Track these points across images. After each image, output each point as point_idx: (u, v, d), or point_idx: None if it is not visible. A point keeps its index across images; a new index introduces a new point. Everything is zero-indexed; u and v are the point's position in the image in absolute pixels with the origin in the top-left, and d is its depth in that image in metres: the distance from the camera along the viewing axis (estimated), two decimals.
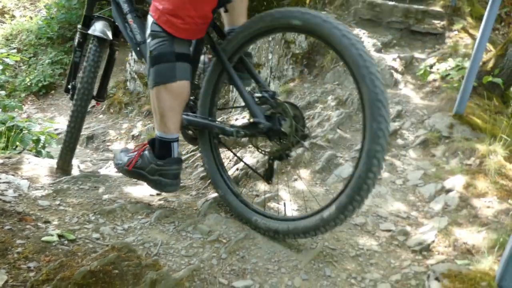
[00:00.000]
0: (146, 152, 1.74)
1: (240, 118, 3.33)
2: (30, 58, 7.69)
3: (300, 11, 1.44)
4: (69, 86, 2.32)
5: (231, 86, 4.38)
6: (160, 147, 1.68)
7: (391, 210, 1.98)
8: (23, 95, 7.00)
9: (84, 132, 4.95)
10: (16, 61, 6.23)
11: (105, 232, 1.56)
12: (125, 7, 1.90)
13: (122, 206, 1.79)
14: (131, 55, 5.82)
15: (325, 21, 1.38)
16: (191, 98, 1.90)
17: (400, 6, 4.08)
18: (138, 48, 1.86)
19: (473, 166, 2.20)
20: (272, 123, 1.53)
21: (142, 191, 2.09)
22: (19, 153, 2.94)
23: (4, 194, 1.76)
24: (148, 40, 1.58)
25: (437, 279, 1.33)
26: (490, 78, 2.87)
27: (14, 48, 7.58)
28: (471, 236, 1.68)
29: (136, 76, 5.83)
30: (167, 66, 1.55)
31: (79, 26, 2.26)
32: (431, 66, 3.33)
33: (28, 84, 7.09)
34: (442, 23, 3.99)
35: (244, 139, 2.46)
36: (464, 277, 1.30)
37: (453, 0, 4.12)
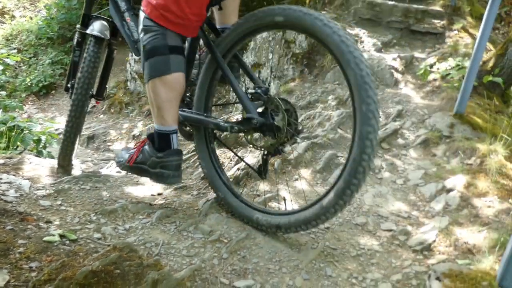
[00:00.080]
0: (146, 146, 1.74)
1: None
2: (30, 58, 7.69)
3: (281, 8, 1.48)
4: (69, 85, 2.33)
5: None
6: (159, 140, 1.69)
7: (392, 210, 1.98)
8: (23, 95, 7.00)
9: (85, 132, 4.95)
10: (17, 62, 6.23)
11: (107, 232, 1.56)
12: (123, 5, 1.93)
13: (124, 206, 1.79)
14: (131, 55, 5.82)
15: (306, 14, 1.42)
16: (187, 94, 1.91)
17: (400, 5, 4.08)
18: (135, 46, 1.88)
19: (473, 166, 2.20)
20: (265, 118, 1.56)
21: (143, 191, 2.09)
22: (20, 153, 2.94)
23: (6, 194, 1.76)
24: (141, 35, 1.59)
25: (438, 278, 1.33)
26: (490, 78, 2.87)
27: (14, 49, 7.58)
28: (472, 235, 1.68)
29: (136, 76, 5.83)
30: (161, 59, 1.56)
31: (78, 26, 2.27)
32: (431, 66, 3.33)
33: (29, 84, 7.10)
34: (442, 22, 3.99)
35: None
36: (465, 276, 1.30)
37: (453, 0, 4.12)
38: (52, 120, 5.21)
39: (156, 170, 1.70)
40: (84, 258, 1.32)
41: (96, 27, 2.12)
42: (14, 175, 2.04)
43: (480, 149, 2.27)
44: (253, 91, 1.59)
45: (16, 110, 4.40)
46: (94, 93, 2.27)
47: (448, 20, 4.01)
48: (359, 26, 4.05)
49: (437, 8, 4.11)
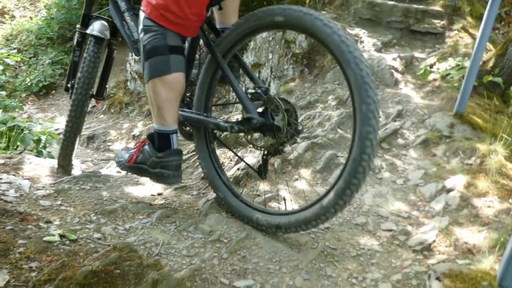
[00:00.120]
0: (146, 146, 1.74)
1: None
2: (30, 58, 7.69)
3: (281, 8, 1.48)
4: (69, 85, 2.33)
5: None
6: (159, 140, 1.69)
7: (392, 210, 1.98)
8: (23, 95, 7.00)
9: (85, 132, 4.95)
10: (17, 62, 6.23)
11: (107, 232, 1.56)
12: (123, 5, 1.93)
13: (124, 206, 1.79)
14: (131, 55, 5.82)
15: (306, 14, 1.42)
16: (188, 94, 1.91)
17: (400, 5, 4.08)
18: (135, 46, 1.88)
19: (473, 166, 2.20)
20: (265, 118, 1.56)
21: (143, 191, 2.09)
22: (20, 153, 2.94)
23: (6, 194, 1.76)
24: (141, 35, 1.59)
25: (438, 278, 1.33)
26: (490, 78, 2.87)
27: (14, 49, 7.58)
28: (472, 235, 1.68)
29: (136, 76, 5.83)
30: (161, 59, 1.56)
31: (78, 26, 2.27)
32: (431, 66, 3.33)
33: (29, 84, 7.10)
34: (442, 22, 3.99)
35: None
36: (465, 276, 1.30)
37: (453, 0, 4.12)
38: (52, 120, 5.21)
39: (156, 170, 1.70)
40: (84, 258, 1.32)
41: (96, 27, 2.12)
42: (14, 175, 2.04)
43: (480, 149, 2.27)
44: (253, 91, 1.59)
45: (16, 110, 4.40)
46: (94, 93, 2.28)
47: (448, 20, 4.01)
48: (359, 26, 4.05)
49: (437, 8, 4.12)
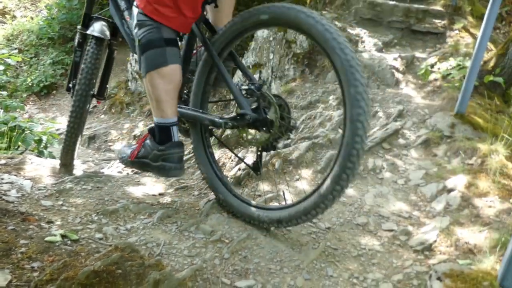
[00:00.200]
0: (147, 141, 1.74)
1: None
2: (31, 58, 7.70)
3: (266, 6, 1.51)
4: (70, 85, 2.34)
5: None
6: (160, 133, 1.68)
7: (393, 210, 1.98)
8: (24, 95, 7.00)
9: (86, 132, 4.96)
10: (18, 62, 6.23)
11: (108, 232, 1.57)
12: (122, 4, 1.94)
13: (125, 206, 1.80)
14: (132, 55, 5.83)
15: (290, 9, 1.45)
16: (185, 91, 1.92)
17: (401, 5, 4.08)
18: (134, 44, 1.88)
19: (474, 166, 2.20)
20: (258, 114, 1.56)
21: (144, 191, 2.09)
22: (21, 153, 2.94)
23: (7, 194, 1.76)
24: (135, 30, 1.59)
25: (439, 278, 1.33)
26: (491, 77, 2.86)
27: (15, 49, 7.58)
28: (473, 235, 1.68)
29: (137, 76, 5.84)
30: (157, 51, 1.57)
31: (78, 26, 2.28)
32: (432, 66, 3.33)
33: (30, 84, 7.10)
34: (443, 22, 3.99)
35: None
36: (466, 276, 1.31)
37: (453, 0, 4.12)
38: (53, 120, 5.22)
39: (158, 163, 1.69)
40: (85, 258, 1.33)
41: (96, 28, 2.13)
42: (15, 175, 2.04)
43: (481, 149, 2.27)
44: (246, 87, 1.60)
45: (17, 110, 4.40)
46: (95, 93, 2.28)
47: (449, 19, 4.01)
48: (360, 26, 4.05)
49: (438, 8, 4.11)
